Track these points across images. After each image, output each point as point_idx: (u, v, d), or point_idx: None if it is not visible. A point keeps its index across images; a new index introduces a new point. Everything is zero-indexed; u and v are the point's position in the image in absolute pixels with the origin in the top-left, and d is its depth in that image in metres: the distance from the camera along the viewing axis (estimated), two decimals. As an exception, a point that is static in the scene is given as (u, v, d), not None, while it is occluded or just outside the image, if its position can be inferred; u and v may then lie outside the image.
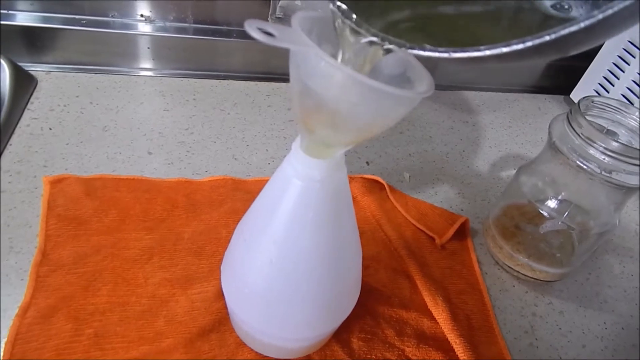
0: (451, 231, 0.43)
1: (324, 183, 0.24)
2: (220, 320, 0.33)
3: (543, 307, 0.40)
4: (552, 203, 0.39)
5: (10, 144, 0.43)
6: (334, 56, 0.22)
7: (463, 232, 0.44)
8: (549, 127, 0.37)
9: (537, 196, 0.39)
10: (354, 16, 0.20)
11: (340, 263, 0.28)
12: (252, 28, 0.17)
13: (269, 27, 0.17)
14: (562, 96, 0.71)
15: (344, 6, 0.20)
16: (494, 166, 0.55)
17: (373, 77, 0.19)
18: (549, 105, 0.69)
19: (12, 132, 0.44)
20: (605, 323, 0.40)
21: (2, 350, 0.29)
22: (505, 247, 0.41)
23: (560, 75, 0.72)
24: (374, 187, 0.47)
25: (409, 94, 0.19)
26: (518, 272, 0.41)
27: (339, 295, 0.29)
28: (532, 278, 0.41)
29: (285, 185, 0.25)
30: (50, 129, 0.46)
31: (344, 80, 0.18)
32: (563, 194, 0.39)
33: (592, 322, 0.40)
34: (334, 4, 0.20)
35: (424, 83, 0.21)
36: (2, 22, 0.51)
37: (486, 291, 0.40)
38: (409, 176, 0.50)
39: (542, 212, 0.38)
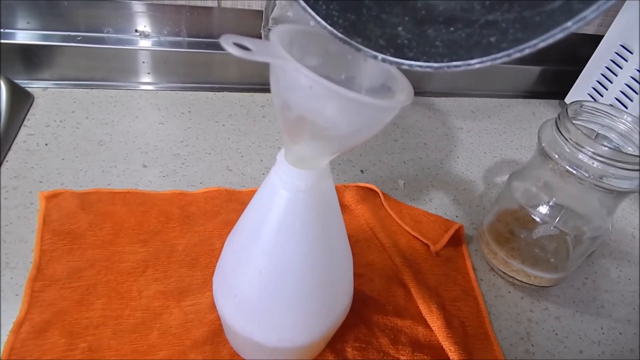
0: (445, 238, 0.43)
1: (310, 193, 0.24)
2: (214, 331, 0.33)
3: (539, 313, 0.40)
4: (544, 208, 0.39)
5: (7, 160, 0.43)
6: (318, 68, 0.22)
7: (458, 239, 0.44)
8: (539, 132, 0.37)
9: (529, 201, 0.40)
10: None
11: (329, 271, 0.28)
12: (227, 43, 0.17)
13: (246, 41, 0.18)
14: (557, 101, 0.72)
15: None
16: (488, 172, 0.55)
17: (355, 89, 0.20)
18: (544, 110, 0.70)
19: (9, 149, 0.45)
20: (602, 328, 0.40)
21: (-4, 366, 0.29)
22: (499, 252, 0.41)
23: (555, 80, 0.73)
24: (369, 195, 0.47)
25: (386, 104, 0.19)
26: (513, 277, 0.41)
27: (329, 302, 0.29)
28: (528, 284, 0.41)
29: (272, 196, 0.25)
30: (46, 144, 0.46)
31: (321, 92, 0.18)
32: (555, 198, 0.39)
33: (589, 327, 0.40)
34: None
35: (404, 92, 0.22)
36: (1, 41, 0.52)
37: (481, 298, 0.40)
38: (404, 183, 0.51)
39: (534, 217, 0.38)
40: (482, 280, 0.42)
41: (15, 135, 0.46)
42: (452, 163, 0.55)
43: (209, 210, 0.42)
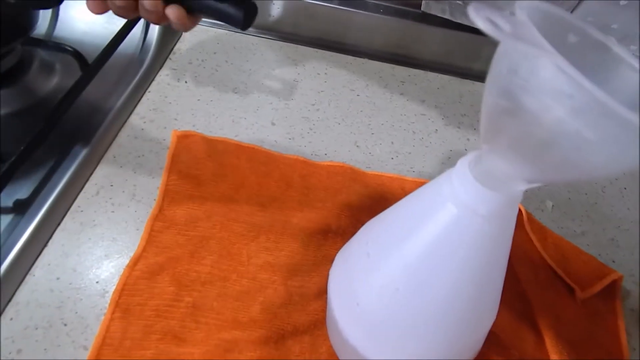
0: (598, 286, 0.35)
1: (489, 220, 0.19)
2: (315, 323, 0.31)
3: None
4: None
5: (149, 91, 0.44)
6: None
7: (612, 291, 0.36)
8: None
9: None
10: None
11: (475, 309, 0.23)
12: (478, 16, 0.12)
13: (500, 18, 0.13)
14: None
15: None
16: (664, 215, 0.44)
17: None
18: None
19: (153, 79, 0.45)
20: None
21: (110, 297, 0.30)
22: (673, 327, 0.32)
23: None
24: (509, 211, 0.40)
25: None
26: (682, 362, 0.32)
27: (463, 343, 0.24)
28: (701, 375, 0.32)
29: (435, 207, 0.20)
30: (186, 82, 0.46)
31: (587, 105, 0.13)
32: None
33: None
34: None
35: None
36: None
37: (633, 373, 0.32)
38: (552, 205, 0.42)
39: None
40: (635, 350, 0.34)
41: (161, 67, 0.47)
42: (617, 194, 0.45)
43: (330, 186, 0.39)
